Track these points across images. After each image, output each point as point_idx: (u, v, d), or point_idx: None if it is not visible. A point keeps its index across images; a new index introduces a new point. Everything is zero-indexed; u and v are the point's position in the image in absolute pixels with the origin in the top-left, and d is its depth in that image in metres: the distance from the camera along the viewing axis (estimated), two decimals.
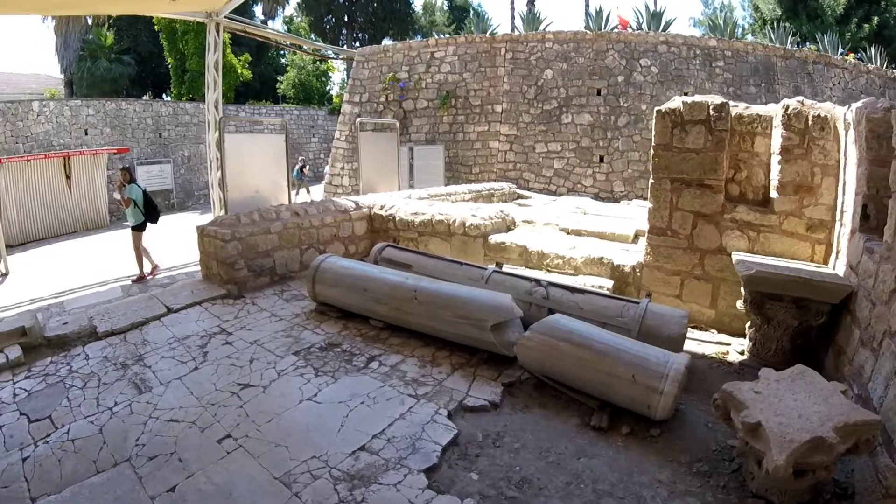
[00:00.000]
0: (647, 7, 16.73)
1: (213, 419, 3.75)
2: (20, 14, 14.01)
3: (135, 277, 9.39)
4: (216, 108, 12.16)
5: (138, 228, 9.39)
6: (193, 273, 8.74)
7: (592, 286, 5.38)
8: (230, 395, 4.05)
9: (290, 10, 42.18)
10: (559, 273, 6.04)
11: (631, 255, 5.91)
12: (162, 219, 10.30)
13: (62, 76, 31.66)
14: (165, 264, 10.22)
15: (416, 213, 7.35)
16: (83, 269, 11.38)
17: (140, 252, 9.42)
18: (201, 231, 6.70)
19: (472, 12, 43.53)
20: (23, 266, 12.95)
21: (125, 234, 16.30)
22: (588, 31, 15.32)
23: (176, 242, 11.97)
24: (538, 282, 4.91)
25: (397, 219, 7.49)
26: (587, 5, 30.03)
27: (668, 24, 16.09)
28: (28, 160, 18.02)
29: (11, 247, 13.87)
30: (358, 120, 12.83)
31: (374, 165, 12.20)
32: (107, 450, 3.50)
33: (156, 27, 29.02)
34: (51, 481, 3.27)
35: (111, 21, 31.22)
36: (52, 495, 3.12)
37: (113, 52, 30.58)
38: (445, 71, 16.29)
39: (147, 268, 9.67)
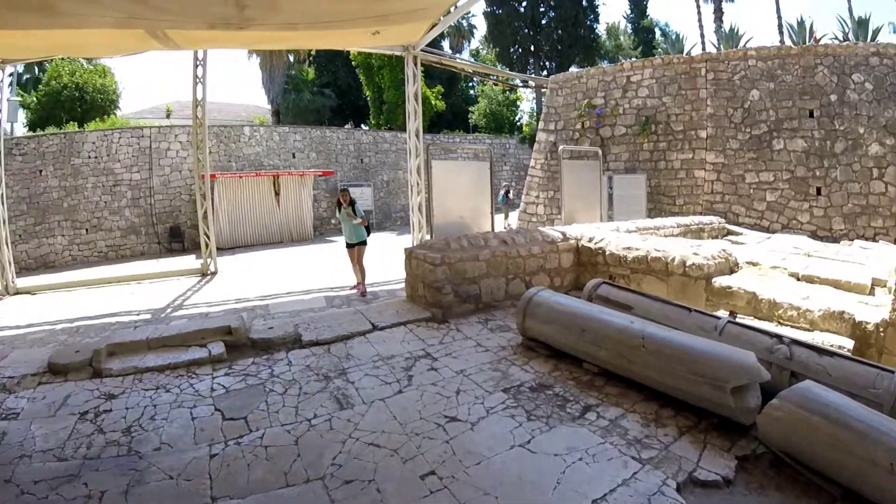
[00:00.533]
0: (850, 13, 14.72)
1: (416, 451, 3.46)
2: (232, 48, 15.60)
3: (361, 290, 9.62)
4: (417, 136, 12.44)
5: (363, 244, 9.64)
6: (394, 291, 8.94)
7: (831, 346, 4.49)
8: (436, 426, 3.76)
9: (475, 43, 43.45)
10: (791, 326, 5.16)
11: (872, 310, 4.93)
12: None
13: (269, 106, 35.22)
14: (366, 280, 10.46)
15: (628, 248, 6.74)
16: (287, 276, 12.15)
17: (363, 265, 9.68)
18: (409, 253, 6.70)
19: (658, 33, 41.97)
20: (230, 267, 14.15)
21: (328, 248, 17.74)
22: (792, 46, 13.63)
23: (375, 259, 12.25)
24: (780, 338, 4.13)
25: (607, 253, 6.94)
26: (779, 16, 28.04)
27: (876, 33, 14.13)
28: (240, 177, 20.39)
29: (221, 249, 15.32)
30: (561, 148, 12.44)
31: (575, 195, 11.86)
32: (300, 463, 3.35)
33: (353, 63, 31.28)
34: (236, 484, 3.18)
35: (311, 58, 34.43)
36: (235, 499, 3.02)
37: (314, 86, 33.53)
38: (643, 95, 15.33)
39: (353, 281, 9.92)
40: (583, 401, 4.04)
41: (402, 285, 7.33)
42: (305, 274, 12.19)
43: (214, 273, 12.98)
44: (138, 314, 9.19)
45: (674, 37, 19.41)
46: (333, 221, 22.55)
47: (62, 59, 23.54)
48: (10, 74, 22.37)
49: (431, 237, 9.14)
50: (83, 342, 6.64)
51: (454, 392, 4.24)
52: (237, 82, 75.88)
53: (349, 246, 9.68)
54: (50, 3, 7.49)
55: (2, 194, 12.19)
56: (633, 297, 5.16)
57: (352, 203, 9.47)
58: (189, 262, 15.59)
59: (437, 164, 9.64)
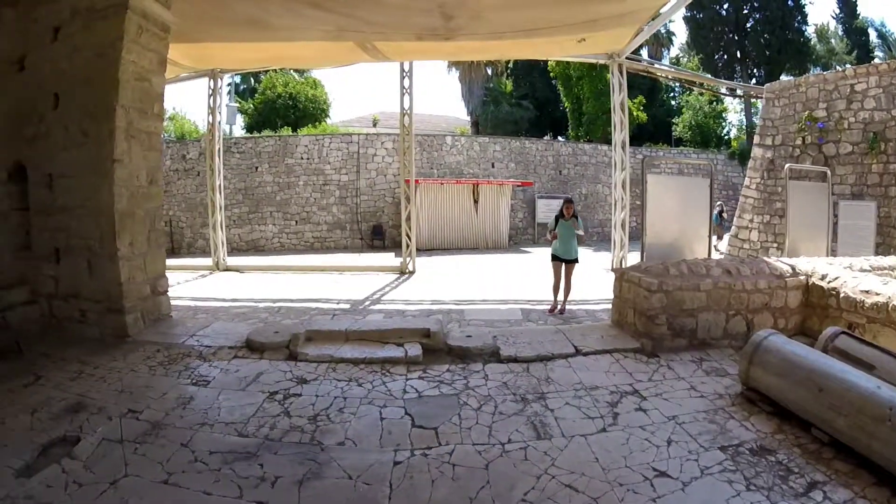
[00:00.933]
0: None
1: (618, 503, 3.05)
2: (438, 59, 16.35)
3: (561, 307, 8.74)
4: (623, 148, 11.94)
5: (576, 261, 8.72)
6: (593, 312, 8.43)
7: None
8: (642, 479, 3.30)
9: (674, 51, 40.82)
10: None
11: None
12: None
13: (468, 118, 36.51)
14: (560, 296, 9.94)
15: (867, 292, 5.54)
16: (482, 283, 12.13)
17: (570, 283, 8.77)
18: (621, 275, 6.24)
19: (873, 34, 36.36)
20: (427, 268, 14.55)
21: (522, 258, 17.88)
22: None
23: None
24: None
25: (842, 295, 5.80)
26: None
27: None
28: (441, 183, 21.23)
29: (419, 250, 15.85)
30: (787, 166, 10.98)
31: (799, 221, 10.39)
32: (488, 491, 3.10)
33: (551, 74, 31.35)
34: (416, 499, 3.02)
35: (509, 70, 35.20)
36: None
37: (513, 98, 33.99)
38: (870, 107, 12.95)
39: (549, 296, 9.14)
40: (809, 475, 3.39)
41: (602, 306, 6.85)
42: (500, 282, 12.04)
43: (412, 272, 13.42)
44: (337, 303, 9.60)
45: (893, 38, 16.23)
46: (535, 233, 22.89)
47: (275, 70, 26.85)
48: (228, 84, 25.94)
49: (642, 258, 8.41)
50: (283, 323, 7.09)
51: (664, 441, 3.74)
52: (438, 95, 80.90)
53: (560, 259, 8.66)
54: (262, 18, 8.21)
55: (220, 185, 14.12)
56: (878, 356, 4.20)
57: (575, 216, 8.69)
58: (389, 259, 16.49)
59: (651, 179, 8.87)
